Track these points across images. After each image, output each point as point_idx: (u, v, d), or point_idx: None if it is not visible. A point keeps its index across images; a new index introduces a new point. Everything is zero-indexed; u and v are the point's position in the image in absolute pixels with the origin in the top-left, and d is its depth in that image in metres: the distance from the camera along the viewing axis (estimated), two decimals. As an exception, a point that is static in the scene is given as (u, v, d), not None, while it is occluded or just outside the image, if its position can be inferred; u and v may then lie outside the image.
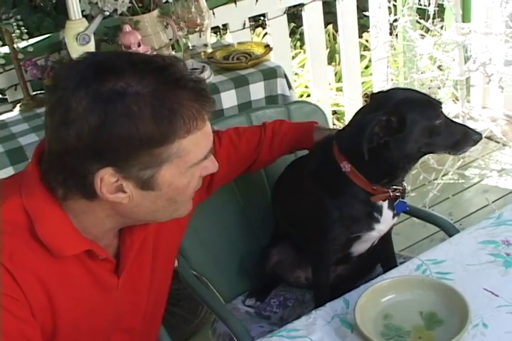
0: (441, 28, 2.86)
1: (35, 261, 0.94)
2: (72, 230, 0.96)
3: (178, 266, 1.52)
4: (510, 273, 1.23)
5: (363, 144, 1.19)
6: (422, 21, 2.85)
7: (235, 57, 2.10)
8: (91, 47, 1.88)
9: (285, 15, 2.57)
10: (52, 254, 0.95)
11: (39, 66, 1.99)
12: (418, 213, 1.67)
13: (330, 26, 3.53)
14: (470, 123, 3.06)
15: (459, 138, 1.28)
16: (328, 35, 3.59)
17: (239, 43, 2.23)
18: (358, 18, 2.87)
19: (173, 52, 2.31)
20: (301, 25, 2.91)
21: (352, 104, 2.98)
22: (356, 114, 1.34)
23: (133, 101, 0.85)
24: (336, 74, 3.43)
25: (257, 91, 2.03)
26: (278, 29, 2.62)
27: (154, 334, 1.32)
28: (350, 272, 1.58)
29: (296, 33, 3.71)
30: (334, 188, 1.32)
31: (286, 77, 2.09)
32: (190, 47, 2.22)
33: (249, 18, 2.52)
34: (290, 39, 3.10)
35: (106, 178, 0.89)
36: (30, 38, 2.00)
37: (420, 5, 2.80)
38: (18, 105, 2.02)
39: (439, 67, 2.99)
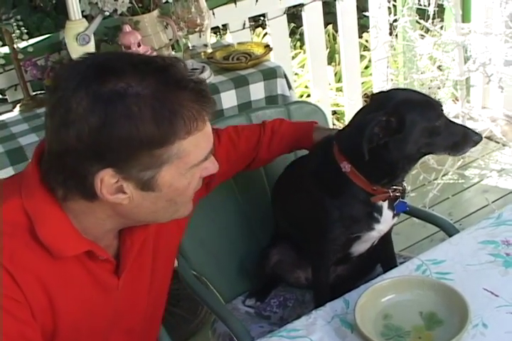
0: (441, 28, 2.86)
1: (36, 261, 0.94)
2: (72, 231, 0.96)
3: (178, 266, 1.52)
4: (510, 273, 1.24)
5: (363, 144, 1.20)
6: (421, 21, 2.85)
7: (235, 58, 2.10)
8: (91, 47, 1.88)
9: (285, 15, 2.57)
10: (53, 255, 0.95)
11: (39, 66, 1.99)
12: (418, 213, 1.67)
13: (330, 26, 3.53)
14: (470, 124, 3.06)
15: (459, 139, 1.28)
16: (328, 36, 3.59)
17: (239, 43, 2.23)
18: (358, 18, 2.86)
19: (173, 53, 2.31)
20: (301, 26, 2.91)
21: (352, 104, 2.97)
22: (356, 114, 1.34)
23: (133, 102, 0.85)
24: (335, 74, 3.43)
25: (257, 91, 2.03)
26: (278, 29, 2.61)
27: (154, 334, 1.32)
28: (350, 272, 1.58)
29: (296, 33, 3.71)
30: (334, 188, 1.32)
31: (286, 77, 2.09)
32: (190, 48, 2.22)
33: (249, 18, 2.52)
34: (290, 39, 3.10)
35: (106, 179, 0.89)
36: (30, 38, 2.00)
37: (420, 5, 2.79)
38: (18, 105, 2.02)
39: (439, 68, 2.99)
